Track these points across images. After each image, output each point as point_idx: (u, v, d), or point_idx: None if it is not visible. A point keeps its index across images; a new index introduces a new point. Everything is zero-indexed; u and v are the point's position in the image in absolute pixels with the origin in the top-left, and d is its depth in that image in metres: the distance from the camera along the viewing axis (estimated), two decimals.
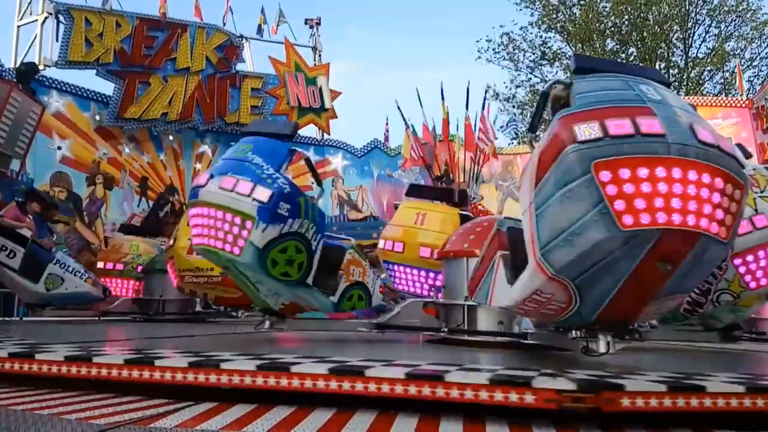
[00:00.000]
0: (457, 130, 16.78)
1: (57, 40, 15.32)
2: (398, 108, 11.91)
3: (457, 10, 66.13)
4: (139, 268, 8.80)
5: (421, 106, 14.71)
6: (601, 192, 2.39)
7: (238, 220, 4.01)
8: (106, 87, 15.65)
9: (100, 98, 15.58)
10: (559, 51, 28.56)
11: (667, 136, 2.39)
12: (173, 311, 8.13)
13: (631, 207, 2.37)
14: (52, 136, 14.49)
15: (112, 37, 15.64)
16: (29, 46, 15.52)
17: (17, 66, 14.37)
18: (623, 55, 27.87)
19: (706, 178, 2.37)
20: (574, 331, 3.13)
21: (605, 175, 2.39)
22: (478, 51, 29.75)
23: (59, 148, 14.60)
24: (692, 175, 2.36)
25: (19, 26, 15.81)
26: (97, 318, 8.14)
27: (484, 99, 16.75)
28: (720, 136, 2.50)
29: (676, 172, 2.36)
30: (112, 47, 15.57)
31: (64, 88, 15.07)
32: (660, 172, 2.36)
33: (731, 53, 26.04)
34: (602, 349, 2.93)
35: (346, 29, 63.38)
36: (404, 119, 14.51)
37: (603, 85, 2.67)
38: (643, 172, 2.37)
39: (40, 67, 14.68)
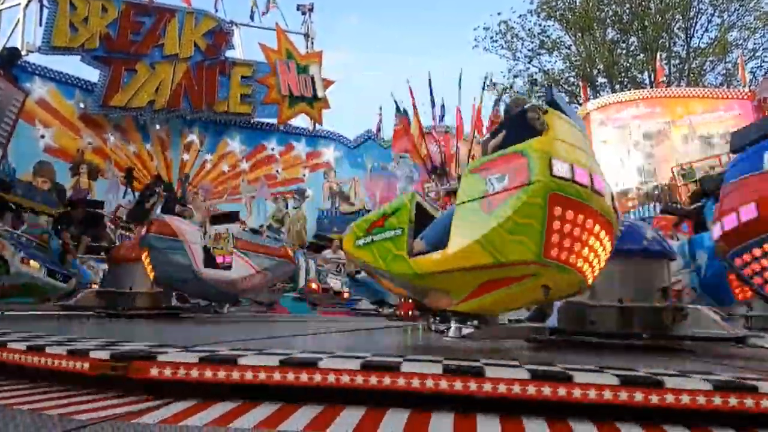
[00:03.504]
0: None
1: (40, 25, 14.93)
2: (429, 81, 11.46)
3: (445, 1, 65.70)
4: None
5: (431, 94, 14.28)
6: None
7: None
8: (91, 74, 15.27)
9: (84, 85, 15.19)
10: (558, 40, 28.15)
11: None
12: (144, 306, 7.28)
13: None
14: (35, 124, 14.12)
15: (97, 21, 15.19)
16: (11, 30, 15.12)
17: None
18: (624, 45, 27.45)
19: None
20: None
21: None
22: (475, 39, 29.21)
23: (42, 136, 14.23)
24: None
25: (0, 10, 15.35)
26: (57, 313, 7.30)
27: (498, 99, 16.46)
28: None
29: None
30: (97, 32, 15.13)
31: (47, 75, 14.70)
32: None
33: (734, 44, 25.62)
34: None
35: (337, 19, 62.69)
36: (431, 94, 13.95)
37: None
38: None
39: (23, 53, 14.32)
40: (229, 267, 7.18)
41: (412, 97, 11.69)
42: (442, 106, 17.28)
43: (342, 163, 18.13)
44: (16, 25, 15.05)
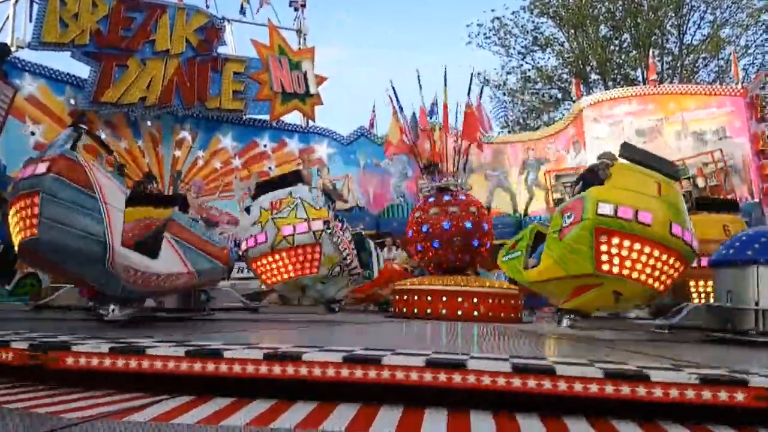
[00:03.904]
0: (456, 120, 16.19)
1: (30, 21, 14.77)
2: (392, 88, 11.34)
3: None
4: None
5: (420, 88, 14.15)
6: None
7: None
8: (82, 70, 15.10)
9: (75, 81, 15.05)
10: (551, 36, 28.17)
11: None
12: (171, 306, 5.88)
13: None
14: (25, 121, 14.00)
15: (88, 17, 15.04)
16: (1, 26, 14.98)
17: None
18: (617, 42, 27.48)
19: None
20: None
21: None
22: (469, 36, 29.31)
23: (33, 133, 14.10)
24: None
25: None
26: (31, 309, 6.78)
27: (482, 88, 16.33)
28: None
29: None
30: (88, 28, 14.98)
31: (37, 71, 14.55)
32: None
33: (726, 40, 25.67)
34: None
35: (330, 15, 62.40)
36: (398, 101, 14.01)
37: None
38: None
39: (13, 49, 14.19)
40: (155, 254, 4.63)
41: (392, 103, 11.71)
42: (435, 104, 17.19)
43: (335, 159, 18.05)
44: (6, 20, 14.93)
